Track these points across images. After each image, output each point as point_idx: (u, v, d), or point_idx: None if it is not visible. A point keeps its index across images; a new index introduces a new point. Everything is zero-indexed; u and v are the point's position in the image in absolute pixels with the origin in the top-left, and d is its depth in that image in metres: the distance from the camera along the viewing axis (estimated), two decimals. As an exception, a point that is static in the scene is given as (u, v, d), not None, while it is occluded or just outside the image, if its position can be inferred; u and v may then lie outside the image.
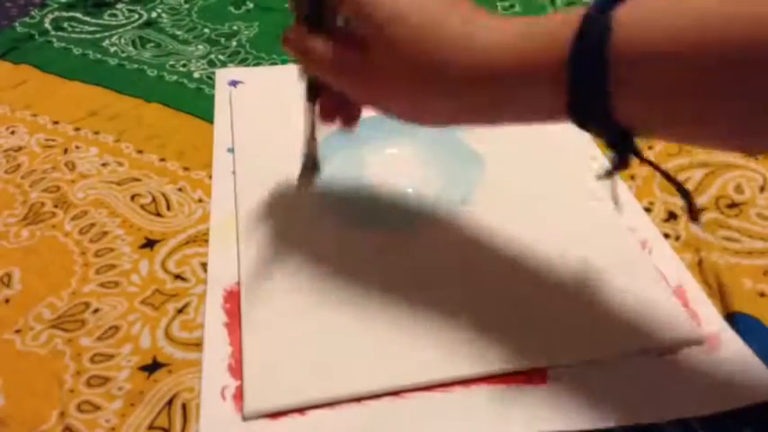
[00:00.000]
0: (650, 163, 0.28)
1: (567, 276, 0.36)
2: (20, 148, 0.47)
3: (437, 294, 0.36)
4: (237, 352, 0.33)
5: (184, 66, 0.56)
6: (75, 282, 0.37)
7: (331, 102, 0.35)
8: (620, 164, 0.28)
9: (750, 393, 0.31)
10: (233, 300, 0.36)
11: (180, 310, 0.36)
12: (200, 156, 0.46)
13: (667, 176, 0.29)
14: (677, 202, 0.42)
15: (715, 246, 0.39)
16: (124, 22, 0.63)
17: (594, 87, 0.25)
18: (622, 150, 0.27)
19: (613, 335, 0.33)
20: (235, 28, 0.62)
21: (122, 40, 0.60)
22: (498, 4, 0.64)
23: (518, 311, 0.35)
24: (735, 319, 0.34)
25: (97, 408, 0.31)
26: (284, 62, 0.57)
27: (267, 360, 0.32)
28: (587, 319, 0.34)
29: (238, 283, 0.37)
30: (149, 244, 0.40)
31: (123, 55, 0.58)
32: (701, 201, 0.42)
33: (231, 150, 0.46)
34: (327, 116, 0.35)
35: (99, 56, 0.58)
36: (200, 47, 0.59)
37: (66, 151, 0.47)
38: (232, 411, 0.31)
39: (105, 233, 0.40)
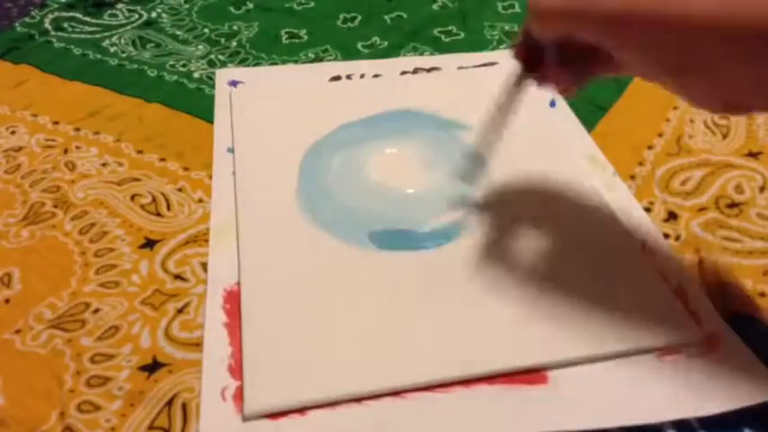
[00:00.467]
0: None
1: (567, 276, 0.36)
2: (20, 149, 0.47)
3: (437, 294, 0.36)
4: (237, 352, 0.33)
5: (184, 66, 0.56)
6: (75, 282, 0.37)
7: (557, 68, 0.33)
8: None
9: (750, 393, 0.31)
10: (233, 300, 0.36)
11: (180, 310, 0.36)
12: (200, 156, 0.46)
13: None
14: (677, 202, 0.42)
15: (715, 246, 0.39)
16: (124, 22, 0.63)
17: None
18: None
19: (613, 335, 0.33)
20: (235, 28, 0.62)
21: (122, 41, 0.60)
22: (498, 3, 0.64)
23: (518, 311, 0.35)
24: (735, 319, 0.34)
25: (97, 408, 0.31)
26: (284, 62, 0.57)
27: (267, 360, 0.32)
28: (587, 319, 0.34)
29: (238, 283, 0.37)
30: (149, 244, 0.40)
31: (123, 55, 0.58)
32: (700, 201, 0.42)
33: (231, 150, 0.46)
34: (548, 81, 0.35)
35: (99, 56, 0.58)
36: (201, 47, 0.59)
37: (66, 151, 0.47)
38: (232, 412, 0.31)
39: (105, 233, 0.40)
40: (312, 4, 0.66)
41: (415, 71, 0.55)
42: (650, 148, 0.46)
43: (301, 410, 0.31)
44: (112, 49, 0.59)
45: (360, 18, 0.63)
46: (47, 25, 0.62)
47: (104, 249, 0.39)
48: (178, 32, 0.61)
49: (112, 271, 0.38)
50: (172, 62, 0.57)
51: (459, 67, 0.55)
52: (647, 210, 0.41)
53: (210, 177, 0.44)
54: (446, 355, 0.33)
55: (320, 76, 0.54)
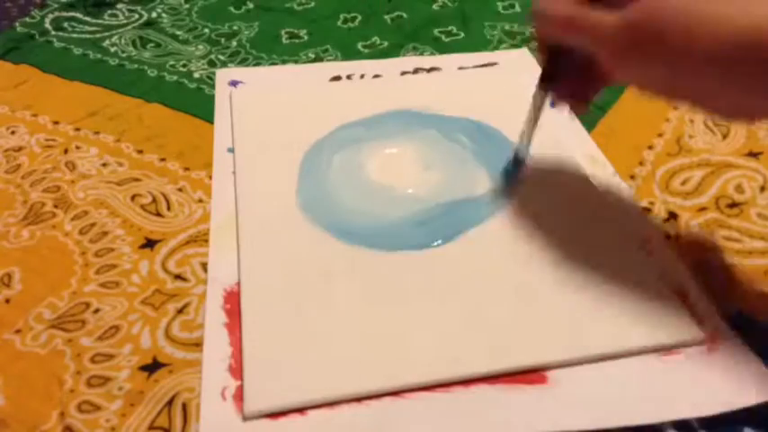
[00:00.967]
0: None
1: (567, 276, 0.36)
2: (20, 149, 0.47)
3: (437, 294, 0.36)
4: (237, 352, 0.33)
5: (185, 66, 0.56)
6: (75, 282, 0.37)
7: (569, 85, 0.35)
8: None
9: (750, 393, 0.31)
10: (233, 300, 0.36)
11: (180, 311, 0.36)
12: (200, 156, 0.46)
13: None
14: (677, 202, 0.42)
15: (715, 246, 0.39)
16: (124, 22, 0.63)
17: None
18: None
19: (613, 335, 0.33)
20: (235, 28, 0.62)
21: (122, 40, 0.60)
22: (498, 3, 0.64)
23: (518, 311, 0.35)
24: (735, 319, 0.34)
25: (97, 408, 0.31)
26: (284, 62, 0.57)
27: (267, 360, 0.32)
28: (587, 319, 0.34)
29: (238, 284, 0.37)
30: (149, 244, 0.40)
31: (123, 55, 0.58)
32: (701, 201, 0.42)
33: (231, 150, 0.46)
34: (562, 96, 0.37)
35: (99, 56, 0.58)
36: (201, 47, 0.59)
37: (66, 151, 0.47)
38: (232, 411, 0.31)
39: (105, 233, 0.40)
40: (312, 4, 0.66)
41: (416, 71, 0.55)
42: (650, 148, 0.46)
43: (301, 410, 0.31)
44: (113, 49, 0.59)
45: (360, 18, 0.63)
46: (47, 25, 0.62)
47: (104, 249, 0.39)
48: (178, 32, 0.61)
49: (113, 271, 0.38)
50: (172, 62, 0.57)
51: (460, 68, 0.55)
52: (648, 210, 0.41)
53: (211, 177, 0.44)
54: (446, 355, 0.33)
55: (320, 76, 0.54)
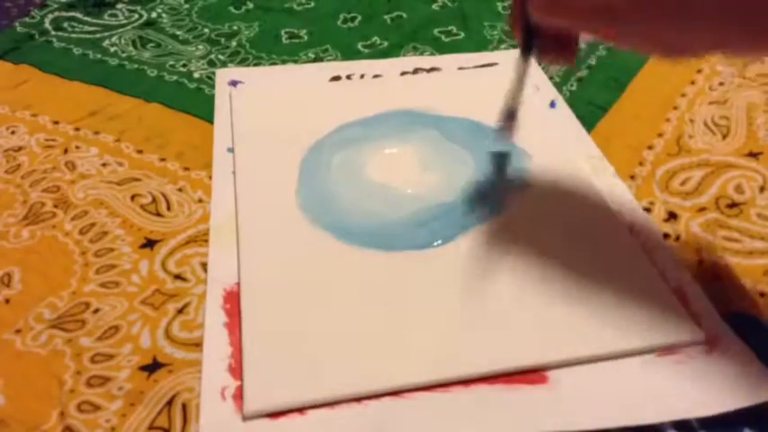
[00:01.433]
0: None
1: (567, 276, 0.36)
2: (20, 148, 0.47)
3: (437, 294, 0.36)
4: (237, 352, 0.33)
5: (184, 66, 0.56)
6: (75, 282, 0.37)
7: (551, 44, 0.34)
8: None
9: (750, 393, 0.31)
10: (233, 300, 0.36)
11: (180, 310, 0.36)
12: (200, 156, 0.46)
13: None
14: (677, 202, 0.42)
15: (715, 246, 0.39)
16: (124, 22, 0.63)
17: None
18: None
19: (613, 335, 0.33)
20: (235, 28, 0.62)
21: (122, 40, 0.60)
22: (498, 3, 0.64)
23: (518, 311, 0.35)
24: (735, 319, 0.34)
25: (97, 408, 0.31)
26: (284, 62, 0.57)
27: (267, 360, 0.32)
28: (587, 319, 0.34)
29: (238, 283, 0.37)
30: (149, 244, 0.40)
31: (123, 55, 0.58)
32: (700, 201, 0.42)
33: (231, 150, 0.46)
34: (547, 56, 0.35)
35: (99, 56, 0.58)
36: (201, 47, 0.59)
37: (66, 151, 0.47)
38: (232, 411, 0.31)
39: (105, 233, 0.40)
40: (312, 4, 0.66)
41: (415, 71, 0.55)
42: (650, 148, 0.46)
43: (301, 410, 0.31)
44: (112, 49, 0.58)
45: (360, 18, 0.63)
46: (47, 25, 0.62)
47: (104, 249, 0.39)
48: (178, 32, 0.61)
49: (112, 271, 0.38)
50: (172, 62, 0.57)
51: (460, 68, 0.55)
52: (647, 210, 0.41)
53: (210, 177, 0.44)
54: (446, 355, 0.33)
55: (320, 76, 0.54)
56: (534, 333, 0.34)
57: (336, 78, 0.54)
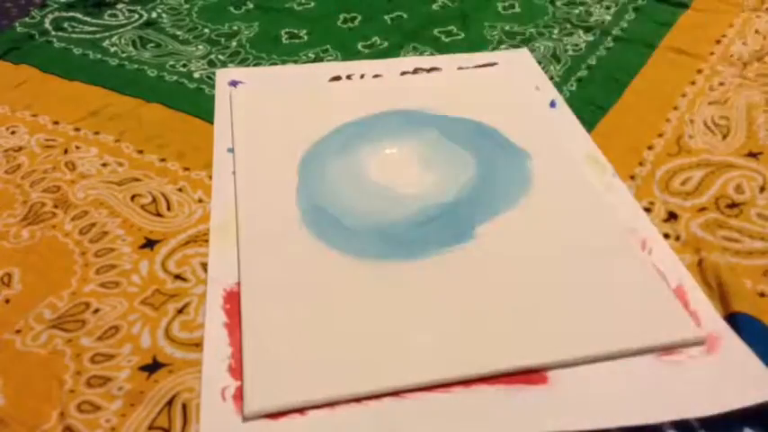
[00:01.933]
0: None
1: (567, 277, 0.36)
2: (20, 149, 0.47)
3: (437, 295, 0.36)
4: (237, 352, 0.33)
5: (184, 66, 0.56)
6: (75, 282, 0.37)
7: None
8: None
9: (750, 393, 0.31)
10: (233, 300, 0.36)
11: (180, 311, 0.36)
12: (200, 156, 0.46)
13: None
14: (677, 203, 0.42)
15: (715, 246, 0.39)
16: (124, 22, 0.63)
17: None
18: None
19: (613, 335, 0.33)
20: (235, 28, 0.62)
21: (122, 41, 0.60)
22: (498, 4, 0.64)
23: (518, 312, 0.35)
24: (735, 319, 0.34)
25: (97, 408, 0.31)
26: (284, 62, 0.57)
27: (267, 360, 0.32)
28: (587, 320, 0.34)
29: (238, 284, 0.37)
30: (149, 244, 0.40)
31: (123, 55, 0.58)
32: (700, 201, 0.42)
33: (231, 150, 0.46)
34: None
35: (99, 56, 0.58)
36: (201, 47, 0.59)
37: (66, 151, 0.47)
38: (232, 411, 0.31)
39: (105, 233, 0.40)
40: (312, 5, 0.66)
41: (415, 71, 0.55)
42: (650, 148, 0.46)
43: (301, 410, 0.31)
44: (113, 49, 0.58)
45: (360, 18, 0.63)
46: (47, 25, 0.62)
47: (104, 249, 0.39)
48: (178, 32, 0.61)
49: (112, 271, 0.38)
50: (172, 62, 0.57)
51: (460, 68, 0.55)
52: (647, 210, 0.41)
53: (210, 177, 0.44)
54: (446, 356, 0.33)
55: (320, 77, 0.54)
56: (534, 334, 0.34)
57: (336, 78, 0.54)
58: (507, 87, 0.51)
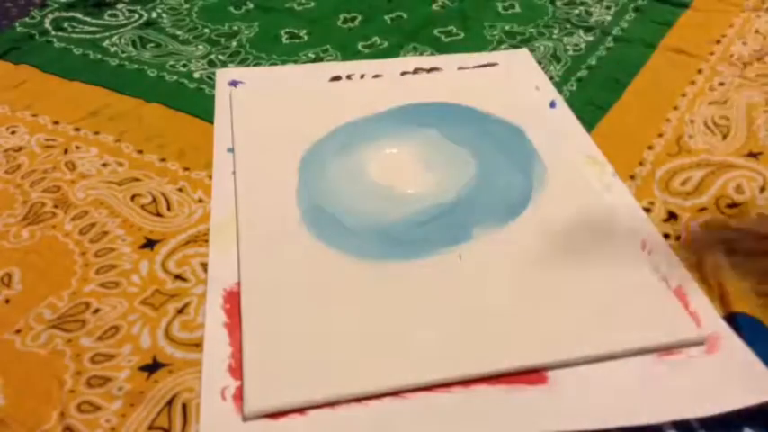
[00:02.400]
0: None
1: (567, 277, 0.36)
2: (20, 149, 0.47)
3: (437, 295, 0.36)
4: (237, 352, 0.33)
5: (185, 66, 0.56)
6: (75, 282, 0.37)
7: None
8: None
9: (750, 393, 0.31)
10: (233, 300, 0.36)
11: (180, 311, 0.36)
12: (200, 156, 0.46)
13: None
14: (677, 203, 0.42)
15: (715, 246, 0.39)
16: (124, 22, 0.63)
17: None
18: None
19: (613, 335, 0.33)
20: (235, 28, 0.62)
21: (122, 41, 0.60)
22: (498, 4, 0.64)
23: (518, 312, 0.35)
24: (735, 319, 0.34)
25: (97, 408, 0.31)
26: (284, 62, 0.57)
27: (267, 360, 0.32)
28: (587, 320, 0.34)
29: (238, 283, 0.37)
30: (149, 244, 0.40)
31: (123, 55, 0.58)
32: (701, 201, 0.42)
33: (231, 150, 0.46)
34: None
35: (99, 56, 0.58)
36: (201, 47, 0.59)
37: (66, 151, 0.47)
38: (232, 411, 0.31)
39: (105, 233, 0.40)
40: (312, 5, 0.66)
41: (415, 71, 0.55)
42: (650, 148, 0.46)
43: (301, 410, 0.31)
44: (113, 49, 0.58)
45: (360, 18, 0.63)
46: (47, 25, 0.62)
47: (104, 249, 0.39)
48: (178, 32, 0.61)
49: (113, 271, 0.38)
50: (172, 62, 0.57)
51: (460, 68, 0.55)
52: (647, 210, 0.41)
53: (211, 177, 0.44)
54: (446, 355, 0.33)
55: (320, 77, 0.54)
56: (534, 333, 0.34)
57: (336, 78, 0.54)
58: (507, 87, 0.51)
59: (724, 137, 0.47)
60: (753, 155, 0.45)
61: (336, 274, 0.37)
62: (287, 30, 0.61)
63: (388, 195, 0.42)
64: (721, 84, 0.52)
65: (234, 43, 0.59)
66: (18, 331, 0.35)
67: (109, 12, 0.64)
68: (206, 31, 0.61)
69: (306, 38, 0.60)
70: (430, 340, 0.33)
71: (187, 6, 0.65)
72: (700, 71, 0.53)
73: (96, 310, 0.36)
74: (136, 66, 0.56)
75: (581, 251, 0.38)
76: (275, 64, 0.57)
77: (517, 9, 0.64)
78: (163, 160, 0.46)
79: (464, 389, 0.31)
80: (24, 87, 0.53)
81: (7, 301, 0.36)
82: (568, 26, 0.60)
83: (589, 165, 0.44)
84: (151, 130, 0.49)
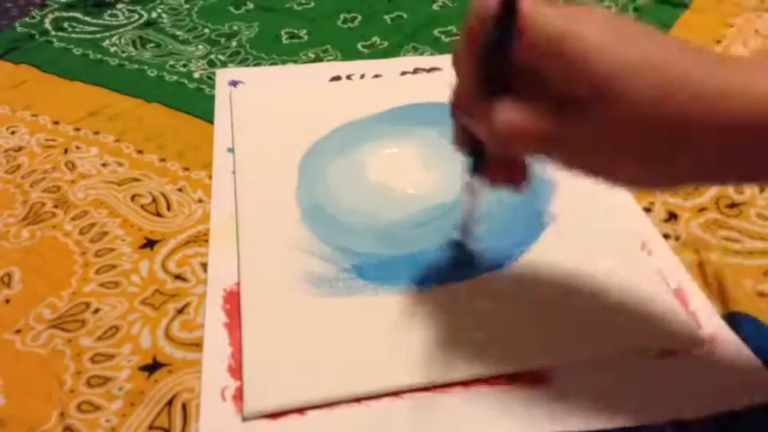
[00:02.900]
0: None
1: (567, 277, 0.36)
2: (20, 149, 0.47)
3: (437, 295, 0.36)
4: (237, 352, 0.33)
5: (185, 66, 0.56)
6: (75, 282, 0.37)
7: (501, 168, 0.30)
8: None
9: (749, 394, 0.31)
10: (233, 300, 0.36)
11: (180, 311, 0.36)
12: (200, 156, 0.46)
13: None
14: (677, 203, 0.42)
15: (715, 246, 0.39)
16: (124, 22, 0.63)
17: None
18: None
19: (613, 336, 0.33)
20: (235, 28, 0.62)
21: (123, 41, 0.60)
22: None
23: (518, 312, 0.35)
24: (735, 319, 0.34)
25: (97, 408, 0.31)
26: (284, 62, 0.57)
27: (267, 360, 0.32)
28: (587, 320, 0.34)
29: (238, 284, 0.37)
30: (149, 244, 0.40)
31: (123, 55, 0.58)
32: (701, 201, 0.42)
33: (231, 150, 0.46)
34: (497, 182, 0.31)
35: (99, 56, 0.58)
36: (201, 47, 0.59)
37: (66, 151, 0.47)
38: (232, 412, 0.31)
39: (105, 233, 0.40)
40: (312, 5, 0.66)
41: (416, 71, 0.55)
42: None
43: (301, 410, 0.31)
44: (113, 49, 0.59)
45: (360, 18, 0.63)
46: (47, 25, 0.62)
47: (104, 249, 0.39)
48: (178, 32, 0.61)
49: (113, 271, 0.38)
50: (172, 62, 0.57)
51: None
52: (647, 210, 0.41)
53: (210, 177, 0.44)
54: (446, 356, 0.33)
55: (320, 77, 0.54)
56: (534, 334, 0.34)
57: (336, 78, 0.54)
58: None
59: (724, 137, 0.47)
60: (753, 155, 0.45)
61: (336, 274, 0.37)
62: (287, 30, 0.61)
63: (387, 195, 0.42)
64: (721, 84, 0.52)
65: (234, 43, 0.59)
66: (18, 331, 0.35)
67: (109, 12, 0.64)
68: (206, 31, 0.61)
69: (306, 38, 0.60)
70: (430, 341, 0.33)
71: (187, 6, 0.65)
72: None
73: (96, 310, 0.36)
74: (136, 66, 0.56)
75: (580, 252, 0.38)
76: (275, 64, 0.57)
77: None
78: (163, 160, 0.46)
79: (464, 389, 0.31)
80: (24, 87, 0.54)
81: (7, 301, 0.36)
82: (568, 26, 0.60)
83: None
84: (151, 130, 0.49)
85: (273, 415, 0.30)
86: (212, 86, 0.53)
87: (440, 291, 0.36)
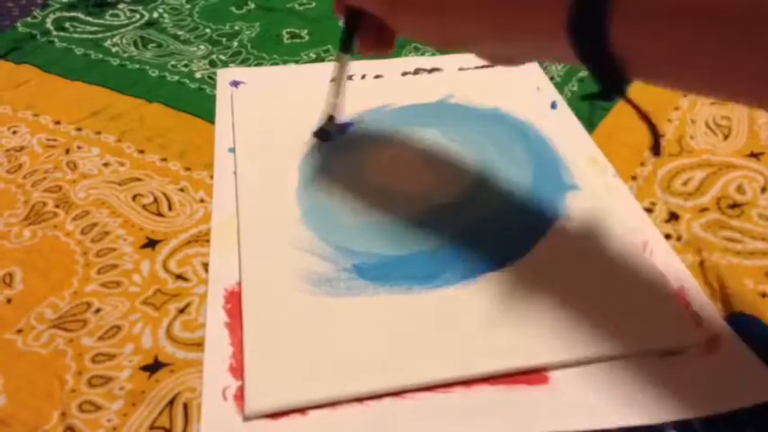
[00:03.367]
0: (629, 101, 0.31)
1: (568, 277, 0.36)
2: (21, 148, 0.47)
3: (437, 294, 0.36)
4: (239, 352, 0.33)
5: (186, 66, 0.56)
6: (76, 282, 0.37)
7: (370, 35, 0.38)
8: (605, 98, 0.31)
9: (751, 394, 0.31)
10: (234, 300, 0.36)
11: (181, 310, 0.36)
12: (201, 156, 0.46)
13: (642, 114, 0.32)
14: (678, 203, 0.42)
15: (716, 246, 0.39)
16: (126, 22, 0.63)
17: (594, 3, 0.25)
18: (610, 86, 0.30)
19: (614, 336, 0.33)
20: (236, 28, 0.62)
21: (124, 41, 0.60)
22: None
23: (519, 312, 0.35)
24: (736, 319, 0.34)
25: (98, 408, 0.31)
26: (285, 62, 0.57)
27: (268, 360, 0.32)
28: (588, 320, 0.34)
29: (239, 283, 0.37)
30: (151, 244, 0.40)
31: (125, 55, 0.58)
32: (702, 201, 0.42)
33: (232, 150, 0.46)
34: (367, 49, 0.38)
35: (101, 56, 0.58)
36: (202, 47, 0.59)
37: (67, 151, 0.47)
38: (233, 411, 0.31)
39: (107, 233, 0.40)
40: (313, 4, 0.66)
41: (416, 72, 0.55)
42: (651, 148, 0.46)
43: (302, 410, 0.31)
44: (114, 49, 0.59)
45: (361, 18, 0.63)
46: (48, 25, 0.62)
47: (106, 249, 0.39)
48: (180, 32, 0.61)
49: (114, 271, 0.38)
50: (173, 62, 0.57)
51: (460, 68, 0.55)
52: (649, 210, 0.41)
53: (212, 177, 0.44)
54: (446, 356, 0.33)
55: (321, 77, 0.54)
56: (535, 334, 0.34)
57: (337, 78, 0.54)
58: (508, 88, 0.51)
59: (725, 137, 0.47)
60: (754, 155, 0.45)
61: (336, 274, 0.37)
62: (288, 30, 0.61)
63: (388, 195, 0.42)
64: (722, 84, 0.52)
65: (235, 43, 0.59)
66: (19, 331, 0.35)
67: (110, 12, 0.64)
68: (207, 31, 0.61)
69: (307, 38, 0.60)
70: (430, 340, 0.33)
71: (188, 6, 0.65)
72: (701, 71, 0.53)
73: (98, 310, 0.36)
74: (137, 66, 0.56)
75: (581, 252, 0.38)
76: (276, 64, 0.57)
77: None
78: (164, 160, 0.46)
79: (464, 389, 0.32)
80: (26, 87, 0.54)
81: (9, 300, 0.36)
82: (570, 26, 0.60)
83: (589, 166, 0.44)
84: (152, 130, 0.49)
85: (275, 415, 0.30)
86: (213, 86, 0.53)
87: (440, 291, 0.36)
